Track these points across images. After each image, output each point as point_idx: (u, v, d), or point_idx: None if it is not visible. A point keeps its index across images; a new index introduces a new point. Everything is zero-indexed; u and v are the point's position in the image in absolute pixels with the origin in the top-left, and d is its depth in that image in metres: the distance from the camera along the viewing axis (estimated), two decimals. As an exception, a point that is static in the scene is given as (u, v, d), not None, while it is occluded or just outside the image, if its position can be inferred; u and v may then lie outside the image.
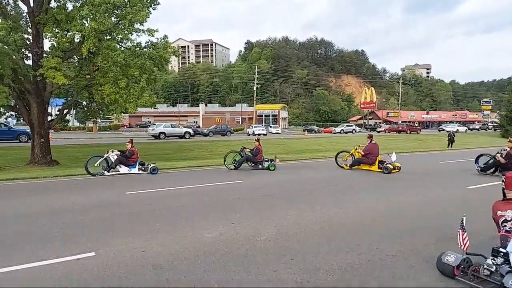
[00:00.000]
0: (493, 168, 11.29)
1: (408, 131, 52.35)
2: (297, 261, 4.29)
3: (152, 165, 12.17)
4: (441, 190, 8.97)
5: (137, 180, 10.79)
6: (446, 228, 5.56)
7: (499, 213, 3.88)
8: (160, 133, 35.06)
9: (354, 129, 55.34)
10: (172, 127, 37.34)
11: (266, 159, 12.87)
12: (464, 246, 3.82)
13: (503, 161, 10.97)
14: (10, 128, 28.45)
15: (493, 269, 3.60)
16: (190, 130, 38.39)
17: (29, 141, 26.81)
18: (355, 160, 12.60)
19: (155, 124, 38.79)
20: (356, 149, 12.81)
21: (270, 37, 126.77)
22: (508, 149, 11.08)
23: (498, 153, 11.37)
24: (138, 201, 7.74)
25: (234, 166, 12.50)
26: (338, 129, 54.68)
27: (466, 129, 63.09)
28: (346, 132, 52.74)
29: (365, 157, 12.45)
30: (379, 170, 11.89)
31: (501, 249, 3.69)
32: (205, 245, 4.83)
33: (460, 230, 3.87)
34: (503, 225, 3.84)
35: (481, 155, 12.11)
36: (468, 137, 38.87)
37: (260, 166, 12.68)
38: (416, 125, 67.51)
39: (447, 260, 3.83)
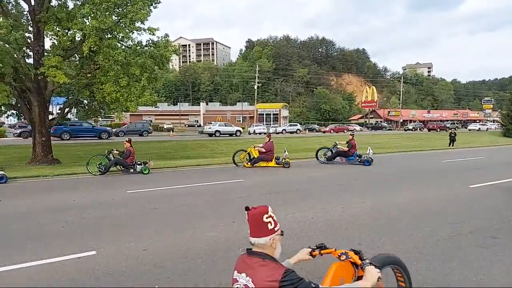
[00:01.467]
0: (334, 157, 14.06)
1: (438, 129, 57.14)
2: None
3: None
4: (442, 189, 8.96)
5: (138, 179, 10.80)
6: (444, 226, 5.55)
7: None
8: (216, 131, 39.04)
9: (314, 129, 56.93)
10: (225, 126, 41.67)
11: (138, 162, 11.86)
12: None
13: (345, 149, 13.86)
14: (94, 126, 32.67)
15: None
16: (240, 128, 42.75)
17: (109, 138, 31.29)
18: (256, 159, 12.99)
19: (211, 123, 43.29)
20: (255, 147, 13.26)
21: (271, 35, 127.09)
22: (350, 137, 14.09)
23: (336, 145, 14.18)
24: (139, 200, 7.74)
25: (100, 171, 11.22)
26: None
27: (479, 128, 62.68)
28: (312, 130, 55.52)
29: (265, 154, 13.02)
30: (276, 165, 13.03)
31: None
32: (206, 244, 4.83)
33: None
34: None
35: (320, 148, 15.08)
36: (470, 137, 38.80)
37: (131, 170, 11.63)
38: (442, 123, 69.22)
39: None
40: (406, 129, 63.22)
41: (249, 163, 13.02)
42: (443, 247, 4.75)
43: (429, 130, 58.39)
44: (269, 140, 13.36)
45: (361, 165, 13.36)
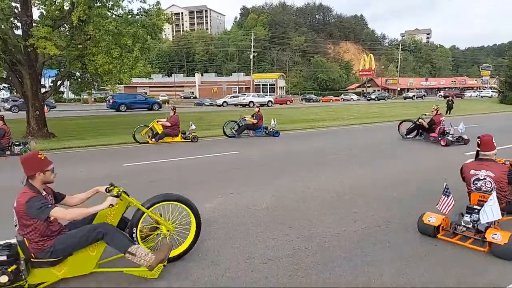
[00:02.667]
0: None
1: (454, 96, 56.17)
2: (295, 229, 4.37)
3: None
4: (438, 157, 9.05)
5: (134, 152, 10.81)
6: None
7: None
8: (250, 101, 40.79)
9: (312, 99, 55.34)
10: (258, 96, 44.26)
11: (17, 143, 10.69)
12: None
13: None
14: (146, 98, 34.88)
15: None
16: (272, 99, 45.26)
17: (160, 109, 32.47)
18: (160, 134, 12.06)
19: (245, 94, 46.38)
20: (158, 121, 12.25)
21: (267, 2, 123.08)
22: (257, 110, 13.71)
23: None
24: (135, 173, 7.78)
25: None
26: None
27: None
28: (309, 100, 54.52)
29: (170, 128, 12.19)
30: (183, 140, 12.46)
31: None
32: (204, 215, 4.88)
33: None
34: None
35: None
36: (467, 104, 38.76)
37: (8, 152, 10.28)
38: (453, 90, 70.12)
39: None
40: (405, 97, 61.42)
41: (153, 139, 12.06)
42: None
43: (445, 97, 56.52)
44: (174, 114, 12.39)
45: (271, 137, 13.18)
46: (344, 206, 5.18)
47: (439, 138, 11.05)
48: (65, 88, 49.59)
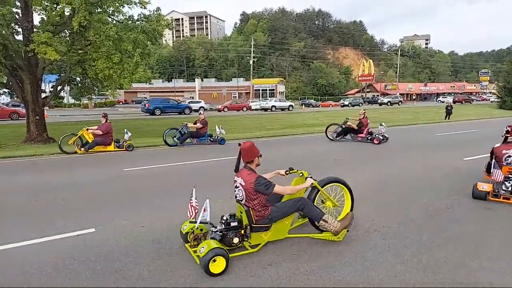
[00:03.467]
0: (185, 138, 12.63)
1: (463, 102, 59.68)
2: (295, 233, 4.36)
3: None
4: (437, 161, 9.05)
5: (133, 157, 10.81)
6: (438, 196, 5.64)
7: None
8: (272, 106, 42.57)
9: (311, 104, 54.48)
10: (280, 101, 46.20)
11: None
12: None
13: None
14: (178, 103, 37.19)
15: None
16: (292, 104, 46.70)
17: (191, 113, 34.25)
18: (91, 143, 11.13)
19: (267, 98, 48.68)
20: (88, 129, 11.34)
21: (266, 8, 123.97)
22: (202, 117, 13.09)
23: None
24: (136, 177, 7.77)
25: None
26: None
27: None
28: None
29: (101, 137, 11.31)
30: (116, 149, 11.56)
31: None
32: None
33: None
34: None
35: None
36: (466, 109, 38.84)
37: None
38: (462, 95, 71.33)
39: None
40: (380, 103, 57.10)
41: (82, 149, 11.03)
42: (438, 219, 4.85)
43: (454, 102, 57.91)
44: (106, 121, 11.58)
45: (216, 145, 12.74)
46: (344, 211, 5.17)
47: (371, 138, 12.48)
48: (65, 93, 49.76)
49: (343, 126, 13.35)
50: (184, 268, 3.53)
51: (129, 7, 13.31)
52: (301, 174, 4.29)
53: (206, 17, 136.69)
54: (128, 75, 13.67)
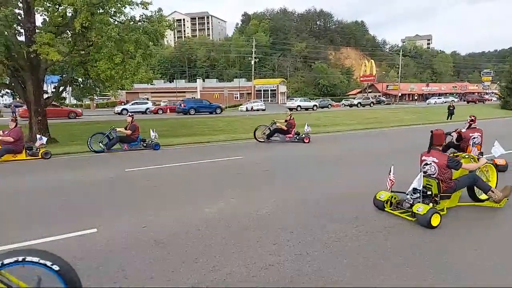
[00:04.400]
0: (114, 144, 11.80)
1: (476, 101, 58.39)
2: (296, 234, 4.36)
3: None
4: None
5: (136, 157, 10.82)
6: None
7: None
8: (297, 105, 44.26)
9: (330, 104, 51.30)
10: (305, 101, 47.57)
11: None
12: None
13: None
14: (210, 103, 38.51)
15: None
16: (317, 103, 47.67)
17: (221, 113, 36.51)
18: (0, 150, 9.79)
19: (293, 98, 49.95)
20: None
21: (268, 8, 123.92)
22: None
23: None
24: (138, 178, 7.79)
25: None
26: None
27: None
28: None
29: (11, 144, 9.97)
30: (29, 157, 10.31)
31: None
32: (205, 221, 4.89)
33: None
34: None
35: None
36: (469, 109, 38.71)
37: None
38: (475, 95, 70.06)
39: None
40: (350, 104, 52.30)
41: None
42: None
43: (468, 102, 58.70)
44: (15, 125, 10.25)
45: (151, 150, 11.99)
46: (345, 212, 5.16)
47: (299, 138, 13.31)
48: (67, 93, 49.89)
49: (271, 128, 13.55)
50: (186, 268, 3.53)
51: (131, 8, 13.34)
52: (467, 156, 5.55)
53: (207, 17, 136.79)
54: (129, 76, 13.69)
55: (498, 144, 6.42)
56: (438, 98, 69.03)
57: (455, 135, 9.65)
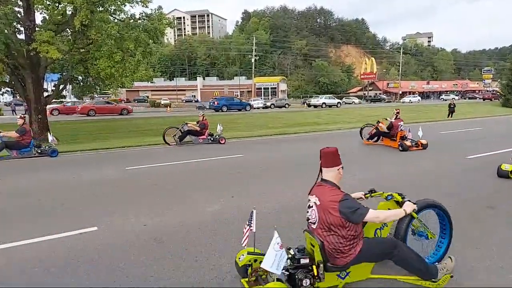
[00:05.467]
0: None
1: (492, 99, 57.71)
2: (298, 233, 4.34)
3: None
4: (440, 160, 9.01)
5: (137, 155, 10.82)
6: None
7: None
8: (322, 103, 45.39)
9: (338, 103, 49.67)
10: (329, 99, 47.85)
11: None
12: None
13: (198, 129, 12.59)
14: (241, 101, 41.57)
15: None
16: (340, 101, 48.86)
17: (252, 110, 38.75)
18: None
19: (318, 96, 51.55)
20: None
21: (268, 6, 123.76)
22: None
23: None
24: (138, 176, 7.78)
25: None
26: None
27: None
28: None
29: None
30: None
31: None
32: (206, 219, 4.88)
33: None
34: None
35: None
36: (469, 107, 38.67)
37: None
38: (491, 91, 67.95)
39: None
40: (309, 104, 47.50)
41: None
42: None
43: (484, 99, 58.92)
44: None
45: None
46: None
47: (213, 139, 12.72)
48: (67, 92, 49.78)
49: (183, 130, 12.54)
50: (186, 267, 3.53)
51: (131, 6, 13.31)
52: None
53: (207, 15, 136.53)
54: (129, 74, 13.68)
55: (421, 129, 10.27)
56: (414, 97, 65.06)
57: (383, 125, 11.68)
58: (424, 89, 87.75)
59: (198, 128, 12.63)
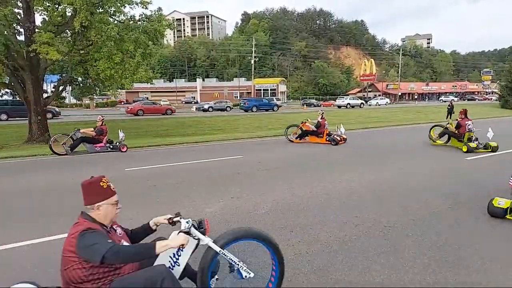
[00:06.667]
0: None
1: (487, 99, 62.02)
2: (296, 233, 4.35)
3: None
4: (440, 162, 9.03)
5: (137, 156, 10.82)
6: (442, 198, 5.64)
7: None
8: (347, 103, 48.80)
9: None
10: (352, 99, 52.14)
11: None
12: None
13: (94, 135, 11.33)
14: (269, 101, 42.91)
15: None
16: (363, 101, 51.94)
17: (277, 110, 39.86)
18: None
19: (343, 97, 55.38)
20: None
21: (268, 8, 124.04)
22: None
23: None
24: (138, 177, 7.78)
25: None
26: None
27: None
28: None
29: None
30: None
31: None
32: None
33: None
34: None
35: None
36: (468, 108, 38.69)
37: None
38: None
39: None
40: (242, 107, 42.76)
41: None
42: (439, 219, 4.83)
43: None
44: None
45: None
46: (346, 211, 5.16)
47: (113, 147, 11.46)
48: (67, 93, 49.84)
49: (74, 137, 11.16)
50: (186, 268, 3.52)
51: (131, 8, 13.36)
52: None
53: (207, 17, 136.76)
54: (129, 75, 13.71)
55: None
56: (381, 99, 62.18)
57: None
58: (424, 91, 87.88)
59: (93, 134, 11.28)
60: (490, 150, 9.99)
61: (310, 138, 13.10)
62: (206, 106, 42.11)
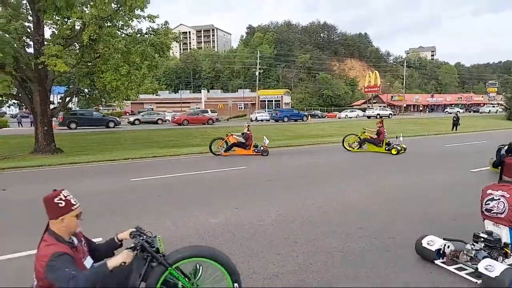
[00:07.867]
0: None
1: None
2: (300, 244, 4.35)
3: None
4: (444, 174, 8.99)
5: (141, 167, 10.89)
6: (445, 212, 5.60)
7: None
8: (377, 114, 48.50)
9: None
10: (382, 110, 52.54)
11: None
12: None
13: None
14: (298, 112, 46.43)
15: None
16: (379, 112, 50.45)
17: (306, 120, 41.79)
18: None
19: (373, 107, 56.63)
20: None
21: (272, 21, 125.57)
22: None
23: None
24: (142, 187, 7.82)
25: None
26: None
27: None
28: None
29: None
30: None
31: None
32: (210, 230, 4.90)
33: None
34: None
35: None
36: (474, 120, 38.56)
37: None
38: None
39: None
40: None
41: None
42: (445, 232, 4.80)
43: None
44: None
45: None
46: (349, 222, 5.15)
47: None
48: (73, 104, 50.34)
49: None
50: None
51: (138, 21, 13.60)
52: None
53: (212, 30, 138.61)
54: (135, 87, 13.89)
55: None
56: (351, 111, 59.39)
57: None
58: (429, 102, 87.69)
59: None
60: (402, 152, 12.55)
61: (238, 151, 12.99)
62: (131, 119, 37.46)
